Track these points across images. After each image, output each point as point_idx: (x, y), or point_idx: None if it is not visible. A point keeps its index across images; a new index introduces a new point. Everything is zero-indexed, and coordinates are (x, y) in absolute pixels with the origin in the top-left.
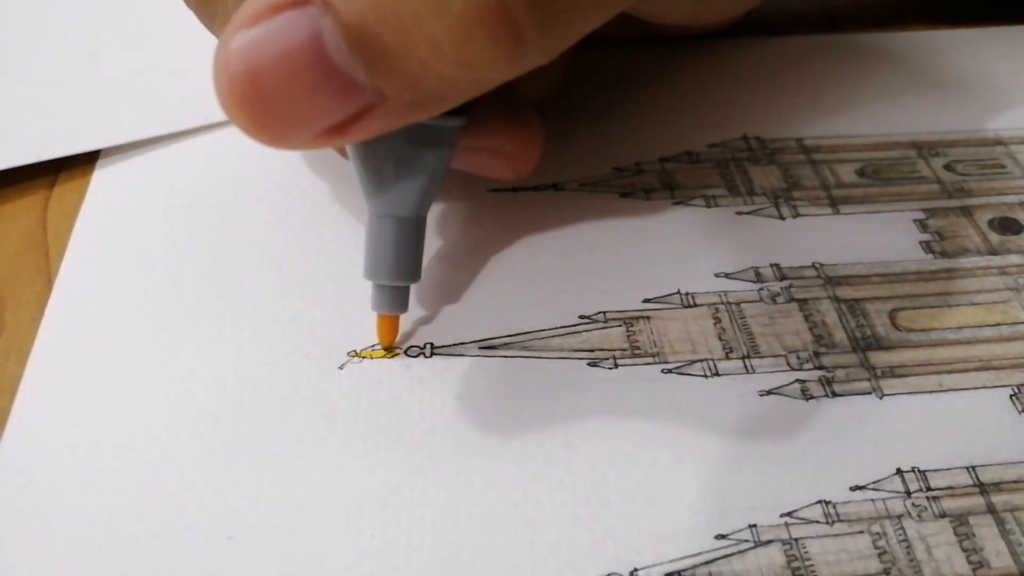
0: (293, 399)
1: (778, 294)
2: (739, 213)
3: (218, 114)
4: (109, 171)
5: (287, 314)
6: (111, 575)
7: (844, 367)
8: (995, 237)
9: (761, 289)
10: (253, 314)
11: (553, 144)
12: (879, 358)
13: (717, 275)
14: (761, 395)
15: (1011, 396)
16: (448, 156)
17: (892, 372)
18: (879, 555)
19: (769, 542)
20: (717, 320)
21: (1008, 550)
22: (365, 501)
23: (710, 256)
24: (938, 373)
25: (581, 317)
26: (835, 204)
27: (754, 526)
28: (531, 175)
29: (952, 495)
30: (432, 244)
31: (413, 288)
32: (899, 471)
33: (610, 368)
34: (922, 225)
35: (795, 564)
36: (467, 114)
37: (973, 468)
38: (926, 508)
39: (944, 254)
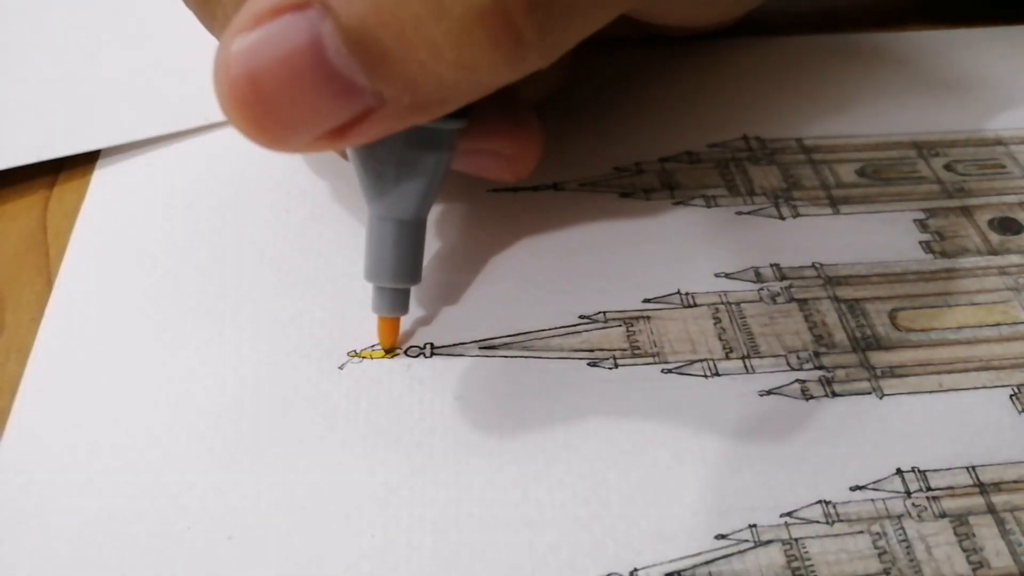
0: (293, 399)
1: (778, 294)
2: (739, 213)
3: (218, 114)
4: (109, 171)
5: (287, 314)
6: (111, 575)
7: (844, 367)
8: (995, 237)
9: (761, 289)
10: (253, 314)
11: (553, 144)
12: (879, 358)
13: (717, 275)
14: (761, 395)
15: (1011, 396)
16: (448, 158)
17: (892, 372)
18: (879, 555)
19: (769, 542)
20: (717, 320)
21: (1008, 550)
22: (365, 501)
23: (710, 256)
24: (938, 373)
25: (581, 317)
26: (835, 204)
27: (754, 526)
28: (531, 176)
29: (952, 495)
30: (432, 244)
31: (413, 288)
32: (899, 471)
33: (610, 368)
34: (922, 225)
35: (795, 564)
36: (467, 116)
37: (973, 468)
38: (926, 508)
39: (944, 254)
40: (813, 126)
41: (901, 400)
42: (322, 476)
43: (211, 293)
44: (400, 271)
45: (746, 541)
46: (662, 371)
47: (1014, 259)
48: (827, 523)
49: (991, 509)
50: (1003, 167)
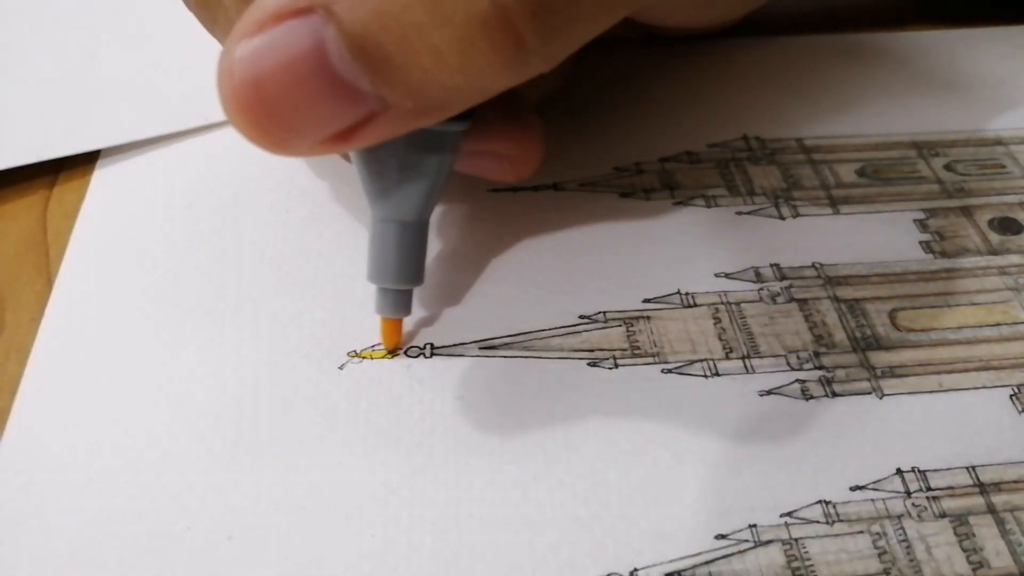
0: (293, 399)
1: (778, 294)
2: (739, 213)
3: (218, 114)
4: (109, 171)
5: (287, 314)
6: (111, 575)
7: (844, 367)
8: (995, 237)
9: (761, 289)
10: (253, 314)
11: (553, 144)
12: (879, 358)
13: (717, 275)
14: (761, 395)
15: (1011, 396)
16: (451, 161)
17: (892, 372)
18: (879, 555)
19: (769, 542)
20: (717, 320)
21: (1008, 550)
22: (365, 501)
23: (710, 256)
24: (938, 373)
25: (581, 317)
26: (835, 204)
27: (754, 526)
28: (538, 174)
29: (952, 495)
30: (432, 244)
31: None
32: (899, 471)
33: (610, 368)
34: (922, 225)
35: (795, 564)
36: (469, 119)
37: (973, 468)
38: (926, 508)
39: (944, 254)
40: (813, 126)
41: (901, 400)
42: (322, 476)
43: (211, 293)
44: (403, 272)
45: (746, 541)
46: (662, 371)
47: (1014, 259)
48: (827, 523)
49: (991, 509)
50: (1003, 167)
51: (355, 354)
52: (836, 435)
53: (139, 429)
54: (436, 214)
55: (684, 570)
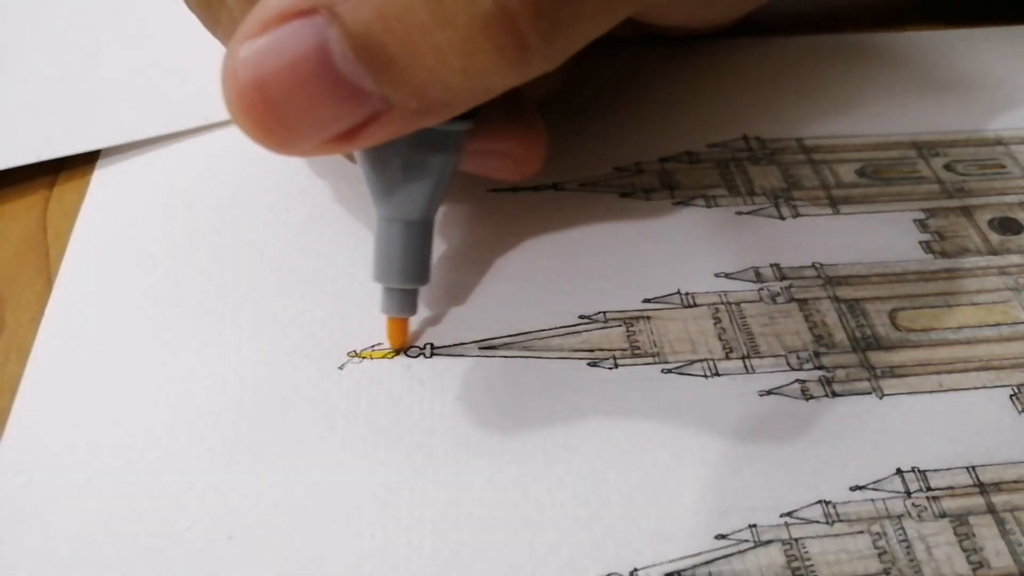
0: (293, 399)
1: (778, 294)
2: (739, 213)
3: (218, 114)
4: (109, 171)
5: (287, 314)
6: (111, 575)
7: (844, 367)
8: (995, 237)
9: (761, 289)
10: (253, 314)
11: (553, 144)
12: (879, 358)
13: (717, 275)
14: (761, 395)
15: (1011, 396)
16: (455, 160)
17: (892, 372)
18: (879, 555)
19: (769, 542)
20: (717, 320)
21: (1008, 550)
22: (365, 501)
23: (710, 256)
24: (938, 373)
25: (581, 317)
26: (835, 204)
27: (754, 526)
28: (538, 174)
29: (952, 495)
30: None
31: None
32: (899, 471)
33: (610, 368)
34: (922, 225)
35: (795, 564)
36: (473, 118)
37: (973, 468)
38: (926, 508)
39: (944, 254)
40: (813, 126)
41: (901, 400)
42: (322, 476)
43: (211, 293)
44: (409, 272)
45: (746, 541)
46: (662, 371)
47: (1014, 259)
48: (827, 523)
49: (991, 509)
50: (1003, 167)
51: (355, 354)
52: (836, 435)
53: (139, 429)
54: (436, 214)
55: (684, 570)
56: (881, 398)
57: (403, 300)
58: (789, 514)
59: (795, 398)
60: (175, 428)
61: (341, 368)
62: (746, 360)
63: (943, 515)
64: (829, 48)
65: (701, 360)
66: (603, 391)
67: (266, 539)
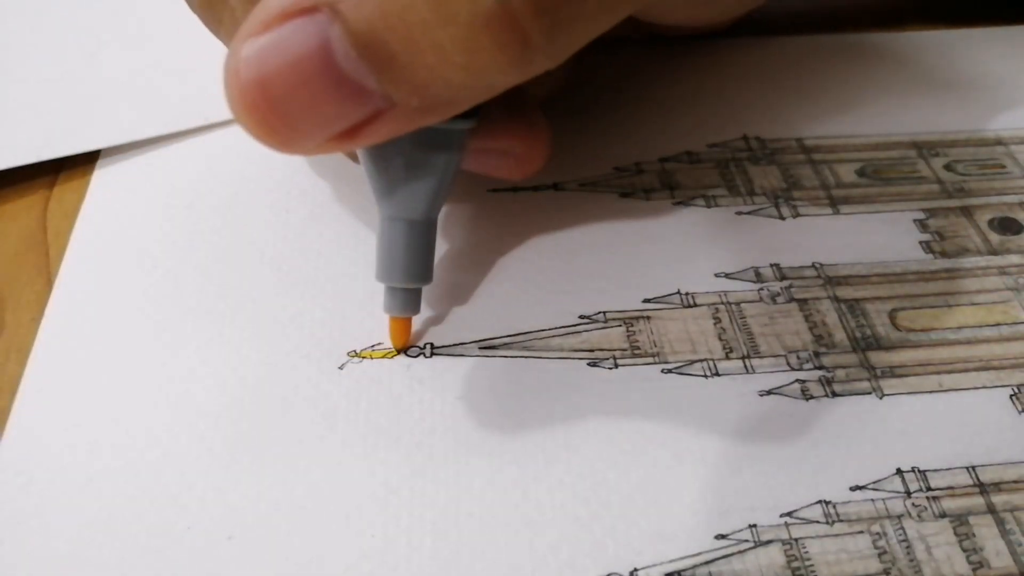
0: (293, 399)
1: (778, 294)
2: (739, 213)
3: (218, 114)
4: (109, 171)
5: (287, 314)
6: (111, 575)
7: (844, 367)
8: (995, 237)
9: (761, 289)
10: (253, 314)
11: (553, 144)
12: (879, 358)
13: (717, 275)
14: (761, 395)
15: (1011, 396)
16: (458, 159)
17: (892, 372)
18: (879, 555)
19: (769, 542)
20: (717, 320)
21: (1008, 550)
22: (365, 501)
23: (710, 256)
24: (938, 373)
25: (581, 317)
26: (835, 204)
27: (754, 526)
28: (539, 174)
29: (952, 495)
30: None
31: None
32: (899, 471)
33: (610, 368)
34: (922, 225)
35: (795, 564)
36: (475, 117)
37: (973, 468)
38: (926, 508)
39: (944, 254)
40: (813, 126)
41: (901, 400)
42: (322, 476)
43: (211, 293)
44: (412, 271)
45: (746, 541)
46: (662, 371)
47: (1014, 259)
48: (827, 523)
49: (991, 509)
50: (1003, 167)
51: (355, 354)
52: (836, 435)
53: (139, 429)
54: (439, 213)
55: (684, 570)
56: (881, 398)
57: (406, 300)
58: (789, 514)
59: (795, 398)
60: (175, 428)
61: (341, 368)
62: (746, 360)
63: (943, 515)
64: (829, 48)
65: (701, 360)
66: (603, 391)
67: (266, 539)
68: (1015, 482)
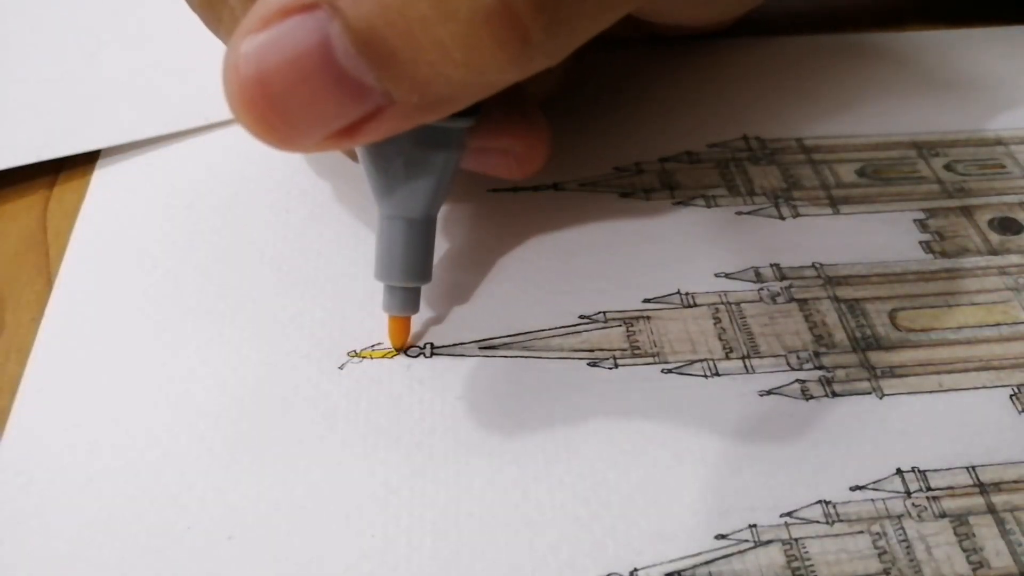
0: (293, 399)
1: (778, 294)
2: (739, 213)
3: (218, 114)
4: (109, 171)
5: (287, 314)
6: (111, 575)
7: (844, 367)
8: (995, 237)
9: (761, 289)
10: (253, 314)
11: (553, 144)
12: (879, 358)
13: (717, 275)
14: (761, 395)
15: (1011, 396)
16: (458, 157)
17: (892, 372)
18: (879, 555)
19: (769, 542)
20: (717, 320)
21: (1008, 550)
22: (365, 501)
23: (710, 256)
24: (938, 373)
25: (581, 317)
26: (835, 204)
27: (754, 526)
28: (539, 174)
29: (952, 495)
30: None
31: None
32: (899, 471)
33: (610, 368)
34: (922, 225)
35: (795, 564)
36: (476, 115)
37: (973, 468)
38: (926, 508)
39: (944, 254)
40: (813, 126)
41: (901, 400)
42: (322, 476)
43: (211, 293)
44: (411, 270)
45: (746, 541)
46: (662, 371)
47: (1014, 259)
48: (827, 523)
49: (991, 509)
50: (1003, 167)
51: (355, 354)
52: (836, 435)
53: (139, 429)
54: (438, 212)
55: (684, 570)
56: (881, 398)
57: (405, 298)
58: (789, 514)
59: (795, 398)
60: (175, 428)
61: (341, 368)
62: (746, 360)
63: (943, 515)
64: (829, 48)
65: (701, 360)
66: (603, 391)
67: (266, 539)
68: (1015, 482)
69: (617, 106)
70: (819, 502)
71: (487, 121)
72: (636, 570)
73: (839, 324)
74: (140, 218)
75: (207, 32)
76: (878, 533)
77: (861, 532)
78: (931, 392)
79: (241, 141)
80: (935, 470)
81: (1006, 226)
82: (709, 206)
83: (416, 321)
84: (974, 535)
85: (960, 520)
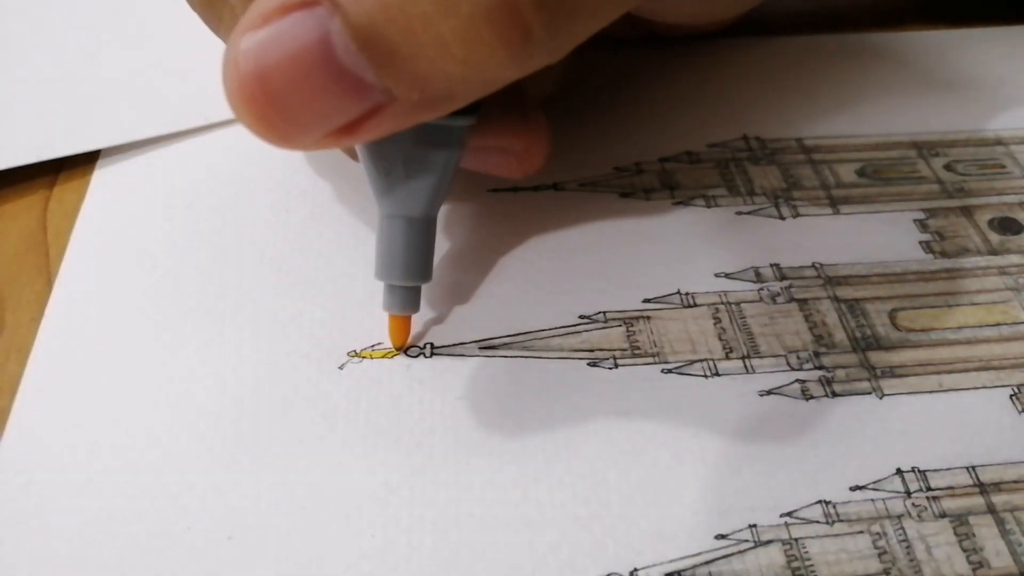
0: (293, 399)
1: (778, 294)
2: (739, 213)
3: (218, 114)
4: (109, 171)
5: (287, 314)
6: (111, 575)
7: (844, 367)
8: (995, 237)
9: (761, 289)
10: (253, 314)
11: (553, 144)
12: (879, 358)
13: (717, 275)
14: (761, 395)
15: (1011, 396)
16: (458, 156)
17: (892, 372)
18: (879, 555)
19: (769, 542)
20: (717, 320)
21: (1008, 550)
22: (365, 501)
23: (710, 256)
24: (938, 373)
25: (581, 317)
26: (835, 204)
27: (754, 526)
28: (539, 173)
29: (952, 495)
30: None
31: None
32: (899, 471)
33: (610, 368)
34: (922, 225)
35: (795, 564)
36: (475, 114)
37: (973, 468)
38: (926, 508)
39: (944, 254)
40: (813, 126)
41: (901, 400)
42: (322, 476)
43: (211, 293)
44: (411, 269)
45: (746, 541)
46: (662, 371)
47: (1014, 259)
48: (827, 523)
49: (991, 509)
50: (1003, 167)
51: (355, 354)
52: (836, 435)
53: (139, 429)
54: (438, 211)
55: (684, 570)
56: (881, 398)
57: (405, 298)
58: (789, 514)
59: (795, 398)
60: (175, 428)
61: (341, 368)
62: (746, 360)
63: (943, 515)
64: (829, 48)
65: (701, 360)
66: (603, 391)
67: (266, 539)
68: (1015, 482)
69: (617, 106)
70: (819, 502)
71: (487, 120)
72: (636, 570)
73: (839, 324)
74: (140, 218)
75: (207, 32)
76: (878, 533)
77: (861, 532)
78: (931, 392)
79: (241, 141)
80: (935, 470)
81: (1006, 226)
82: (709, 206)
83: (416, 321)
84: (974, 535)
85: (960, 520)
